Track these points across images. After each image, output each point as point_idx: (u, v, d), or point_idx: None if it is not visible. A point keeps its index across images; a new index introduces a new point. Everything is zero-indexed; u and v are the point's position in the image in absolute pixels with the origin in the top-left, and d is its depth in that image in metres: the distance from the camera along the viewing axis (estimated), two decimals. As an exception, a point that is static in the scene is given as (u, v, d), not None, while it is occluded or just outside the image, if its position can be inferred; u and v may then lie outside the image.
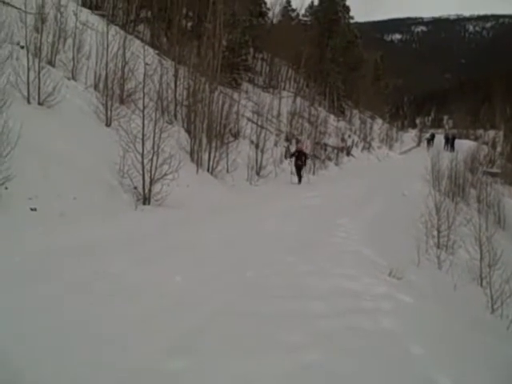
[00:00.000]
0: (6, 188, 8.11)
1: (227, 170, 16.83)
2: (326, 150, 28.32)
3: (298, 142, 23.82)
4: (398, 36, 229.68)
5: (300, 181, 20.36)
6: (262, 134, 20.85)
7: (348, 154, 32.18)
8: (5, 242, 6.56)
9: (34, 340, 3.91)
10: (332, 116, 39.09)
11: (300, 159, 20.43)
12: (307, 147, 23.83)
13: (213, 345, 4.09)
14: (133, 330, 4.26)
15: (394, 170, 27.89)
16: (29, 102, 11.19)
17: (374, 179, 22.41)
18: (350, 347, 4.20)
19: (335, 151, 29.64)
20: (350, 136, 37.10)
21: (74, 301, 4.82)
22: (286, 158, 22.53)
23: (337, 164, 28.38)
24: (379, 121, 51.67)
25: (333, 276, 6.49)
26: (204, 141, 16.36)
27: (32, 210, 8.28)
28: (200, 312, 4.84)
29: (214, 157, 16.26)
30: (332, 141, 31.34)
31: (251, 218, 10.82)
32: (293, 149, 22.79)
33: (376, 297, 5.73)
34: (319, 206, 13.55)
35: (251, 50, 35.53)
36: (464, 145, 33.79)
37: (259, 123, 22.29)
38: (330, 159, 27.95)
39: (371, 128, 43.24)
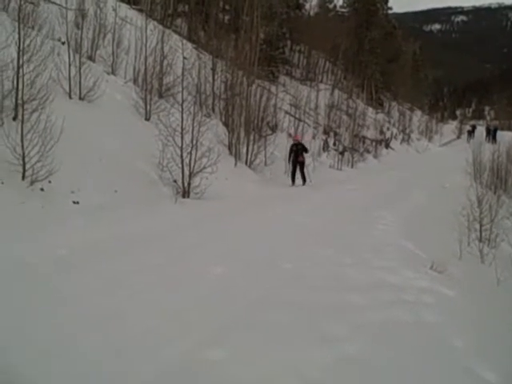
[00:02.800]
0: (50, 182, 8.27)
1: (265, 163, 16.81)
2: (364, 142, 28.02)
3: (290, 135, 19.52)
4: (437, 26, 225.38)
5: (305, 181, 16.90)
6: (300, 127, 20.74)
7: (387, 146, 31.77)
8: (50, 234, 6.68)
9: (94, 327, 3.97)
10: (370, 108, 38.64)
11: (301, 155, 16.84)
12: (305, 140, 19.32)
13: (253, 335, 4.08)
14: (175, 320, 4.28)
15: (433, 163, 27.40)
16: (70, 97, 11.37)
17: (413, 171, 22.06)
18: (390, 339, 4.15)
19: (374, 144, 29.30)
20: (388, 128, 36.65)
21: (117, 292, 4.86)
22: (324, 150, 22.35)
23: (375, 157, 28.04)
24: (418, 113, 50.89)
25: (372, 268, 6.42)
26: (242, 134, 16.37)
27: (74, 203, 8.42)
28: (239, 303, 4.83)
29: (252, 150, 16.27)
30: (370, 133, 31.03)
31: (289, 211, 10.75)
32: (331, 142, 22.23)
33: (417, 290, 5.65)
34: (357, 199, 13.43)
35: (288, 42, 35.39)
36: (506, 136, 32.91)
37: (297, 116, 22.19)
38: (368, 152, 27.64)
39: (410, 120, 42.63)
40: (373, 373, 3.63)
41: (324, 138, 24.69)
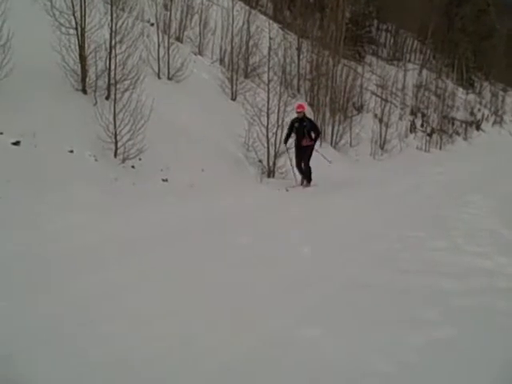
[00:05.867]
0: (140, 159, 8.48)
1: (350, 144, 16.56)
2: (453, 124, 27.05)
3: (299, 108, 11.44)
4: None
5: (309, 179, 11.19)
6: (387, 108, 20.30)
7: (477, 128, 30.48)
8: (141, 211, 6.88)
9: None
10: (460, 89, 37.11)
11: (307, 136, 11.19)
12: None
13: (343, 316, 3.99)
14: (265, 299, 4.24)
15: (529, 146, 26.05)
16: (159, 77, 11.60)
17: (506, 155, 21.03)
18: (483, 326, 3.93)
19: (463, 125, 28.18)
20: (479, 110, 35.12)
21: (208, 268, 4.89)
22: (411, 131, 21.73)
23: (465, 139, 27.03)
24: (512, 93, 48.41)
25: (465, 253, 6.12)
26: (327, 114, 16.17)
27: (163, 180, 8.59)
28: (328, 284, 4.73)
29: (338, 131, 16.03)
30: (460, 115, 29.88)
31: (376, 193, 10.50)
32: (418, 123, 21.15)
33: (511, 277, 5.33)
34: (446, 183, 12.92)
35: (375, 21, 34.45)
36: None
37: (383, 97, 21.68)
38: (457, 134, 26.68)
39: (503, 101, 40.62)
40: (466, 357, 3.45)
41: (411, 119, 24.00)
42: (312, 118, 11.70)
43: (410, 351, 3.48)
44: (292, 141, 11.34)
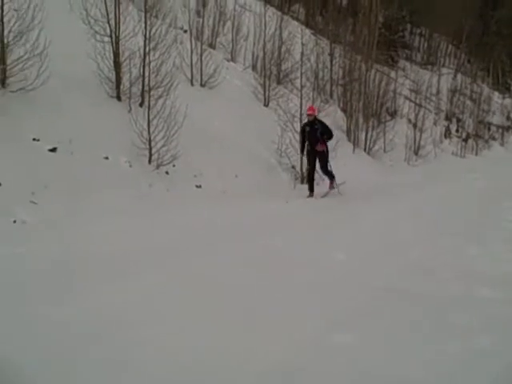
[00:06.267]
0: (174, 165, 8.52)
1: (384, 150, 16.39)
2: (489, 129, 26.57)
3: (310, 110, 10.56)
4: None
5: (332, 184, 10.51)
6: (421, 113, 20.07)
7: (515, 133, 29.91)
8: (175, 216, 6.90)
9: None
10: (496, 93, 36.39)
11: (320, 141, 10.26)
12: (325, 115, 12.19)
13: (376, 322, 3.90)
14: (297, 302, 4.19)
15: None
16: (192, 83, 11.68)
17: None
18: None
19: (500, 130, 27.67)
20: (516, 114, 34.42)
21: (242, 274, 4.85)
22: (445, 137, 21.43)
23: (502, 144, 26.52)
24: (551, 97, 47.35)
25: (503, 261, 5.97)
26: (360, 120, 16.03)
27: (197, 187, 8.62)
28: (363, 289, 4.65)
29: (371, 136, 15.89)
30: (496, 119, 29.31)
31: (410, 198, 10.32)
32: (453, 128, 20.84)
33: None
34: (482, 189, 12.60)
35: (408, 25, 34.13)
36: None
37: (417, 101, 21.44)
38: (494, 139, 26.18)
39: (542, 105, 39.75)
40: (506, 365, 3.34)
41: (446, 124, 23.67)
42: (323, 120, 10.73)
43: (449, 359, 3.39)
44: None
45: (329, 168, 10.38)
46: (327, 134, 10.35)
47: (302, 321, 3.86)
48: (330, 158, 10.52)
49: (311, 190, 10.21)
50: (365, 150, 15.67)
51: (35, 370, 2.92)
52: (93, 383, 2.89)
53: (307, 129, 10.32)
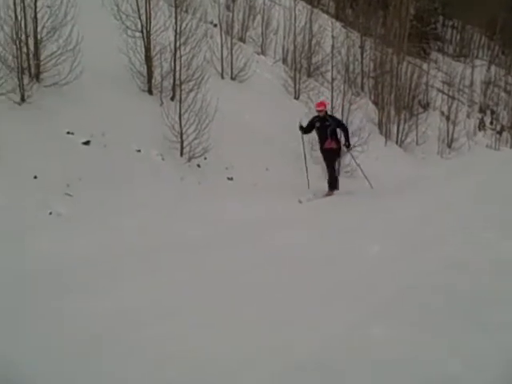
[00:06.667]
0: (205, 158, 8.56)
1: (416, 143, 16.20)
2: (524, 122, 26.01)
3: (320, 106, 9.80)
4: None
5: (332, 186, 9.73)
6: (454, 105, 19.75)
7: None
8: (207, 209, 6.92)
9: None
10: (531, 84, 35.73)
11: (332, 137, 9.66)
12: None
13: (410, 316, 3.83)
14: (332, 296, 4.15)
15: None
16: (222, 77, 11.72)
17: None
18: None
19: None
20: (552, 106, 33.65)
21: (270, 266, 4.84)
22: (479, 129, 21.05)
23: (540, 138, 25.93)
24: None
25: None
26: (392, 112, 15.87)
27: (229, 179, 8.64)
28: (398, 283, 4.58)
29: (403, 129, 15.71)
30: (533, 112, 28.69)
31: (444, 192, 10.16)
32: (487, 120, 20.41)
33: None
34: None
35: (440, 17, 33.64)
36: None
37: (450, 94, 21.12)
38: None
39: None
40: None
41: (480, 116, 23.26)
42: (335, 115, 10.10)
43: (487, 356, 3.30)
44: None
45: (335, 173, 9.68)
46: (342, 129, 9.76)
47: (339, 314, 3.83)
48: (358, 152, 10.46)
49: (331, 183, 9.62)
50: (397, 142, 15.53)
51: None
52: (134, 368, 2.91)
53: (317, 124, 9.67)
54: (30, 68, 7.52)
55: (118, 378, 2.81)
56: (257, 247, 5.46)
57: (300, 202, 8.70)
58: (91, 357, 2.98)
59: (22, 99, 7.11)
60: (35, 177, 6.27)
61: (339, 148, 9.72)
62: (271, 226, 6.56)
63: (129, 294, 3.93)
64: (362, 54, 17.71)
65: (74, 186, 6.45)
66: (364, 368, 3.04)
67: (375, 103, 16.31)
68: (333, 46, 12.86)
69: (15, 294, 3.87)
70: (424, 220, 7.39)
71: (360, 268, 4.95)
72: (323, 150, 9.68)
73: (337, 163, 9.97)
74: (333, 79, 11.74)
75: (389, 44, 17.54)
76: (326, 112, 9.76)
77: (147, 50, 9.12)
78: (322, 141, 9.65)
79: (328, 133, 9.51)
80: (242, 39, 14.04)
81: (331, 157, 9.63)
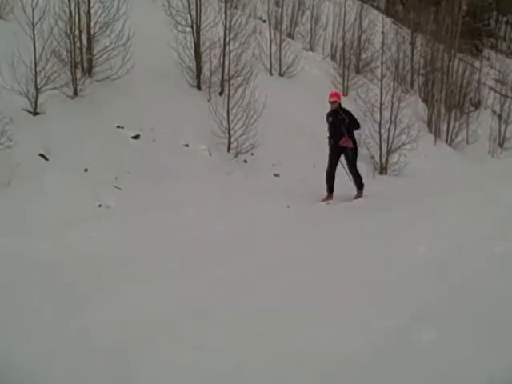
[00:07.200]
0: (252, 154, 8.57)
1: (467, 142, 15.80)
2: None
3: (333, 97, 8.70)
4: None
5: (360, 186, 8.55)
6: (506, 104, 19.18)
7: None
8: (252, 204, 6.91)
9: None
10: None
11: (346, 134, 8.35)
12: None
13: (459, 317, 3.73)
14: (377, 296, 4.08)
15: None
16: (271, 73, 11.73)
17: None
18: None
19: None
20: None
21: (321, 264, 4.79)
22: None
23: None
24: None
25: None
26: (442, 110, 15.55)
27: (275, 175, 8.62)
28: (441, 284, 4.46)
29: (453, 127, 15.36)
30: None
31: (496, 193, 9.88)
32: None
33: None
34: None
35: (494, 13, 32.77)
36: None
37: (503, 92, 20.53)
38: None
39: None
40: None
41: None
42: (349, 109, 8.80)
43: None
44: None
45: (358, 171, 8.62)
46: (355, 125, 8.56)
47: (388, 314, 3.77)
48: (407, 151, 10.29)
49: (330, 190, 8.37)
50: (446, 141, 15.19)
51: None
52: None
53: (330, 119, 8.59)
54: (82, 62, 7.70)
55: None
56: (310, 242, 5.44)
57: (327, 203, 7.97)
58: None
59: (75, 93, 7.28)
60: (86, 169, 6.39)
61: (356, 146, 8.69)
62: (313, 223, 6.50)
63: (184, 283, 3.95)
64: (412, 51, 17.40)
65: (122, 179, 6.55)
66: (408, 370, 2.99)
67: (425, 101, 16.00)
68: (383, 43, 12.63)
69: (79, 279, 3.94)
70: (475, 220, 7.21)
71: (408, 267, 4.87)
72: (337, 148, 8.45)
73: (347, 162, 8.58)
74: (382, 76, 11.53)
75: (440, 41, 17.15)
76: (340, 104, 8.64)
77: (197, 45, 9.20)
78: (335, 136, 8.45)
79: (343, 128, 8.34)
80: (290, 35, 14.02)
81: (349, 155, 8.48)
